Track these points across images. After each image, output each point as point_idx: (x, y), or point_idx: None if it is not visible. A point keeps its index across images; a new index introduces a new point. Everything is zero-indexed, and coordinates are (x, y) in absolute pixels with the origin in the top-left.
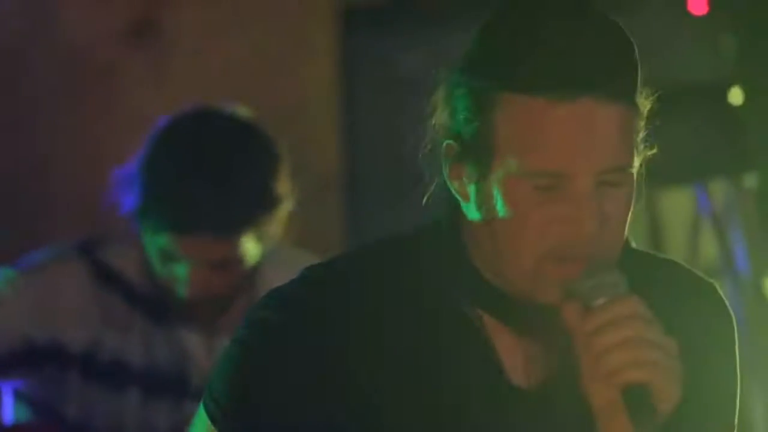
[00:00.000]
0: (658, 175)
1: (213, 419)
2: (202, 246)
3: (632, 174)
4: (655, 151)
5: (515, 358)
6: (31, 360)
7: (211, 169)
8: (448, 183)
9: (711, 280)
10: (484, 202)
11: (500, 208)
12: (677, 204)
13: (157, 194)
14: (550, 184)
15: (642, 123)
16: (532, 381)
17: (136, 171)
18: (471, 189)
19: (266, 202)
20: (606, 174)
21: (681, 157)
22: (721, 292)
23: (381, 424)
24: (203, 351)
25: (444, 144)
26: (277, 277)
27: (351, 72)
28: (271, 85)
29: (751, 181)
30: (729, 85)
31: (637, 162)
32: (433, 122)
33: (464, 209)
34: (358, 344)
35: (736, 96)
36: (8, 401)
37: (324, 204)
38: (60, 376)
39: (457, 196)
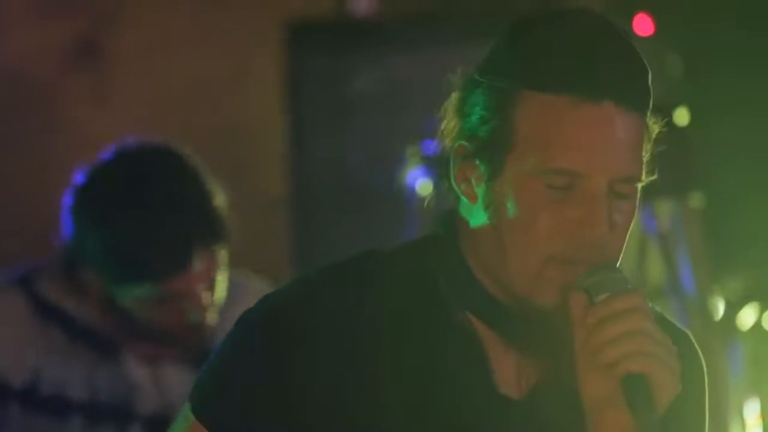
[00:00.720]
0: None
1: (195, 411)
2: (201, 269)
3: (638, 188)
4: (654, 177)
5: (507, 367)
6: None
7: (165, 205)
8: (454, 185)
9: (685, 330)
10: (494, 201)
11: (511, 207)
12: None
13: (128, 251)
14: (566, 183)
15: (649, 145)
16: (522, 391)
17: (81, 224)
18: (480, 189)
19: (224, 213)
20: (619, 182)
21: None
22: (694, 342)
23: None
24: (148, 380)
25: (455, 145)
26: (230, 307)
27: (298, 91)
28: (217, 104)
29: (696, 201)
30: (675, 106)
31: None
32: (442, 129)
33: (465, 214)
34: (351, 351)
35: (681, 116)
36: None
37: (271, 223)
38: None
39: (463, 199)
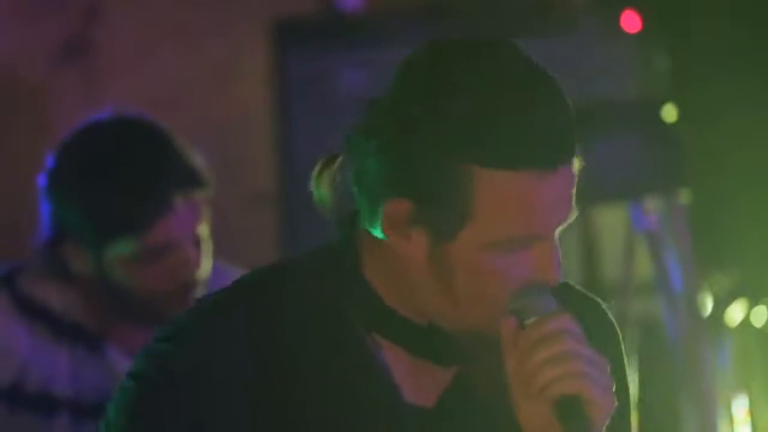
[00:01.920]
0: (592, 192)
1: None
2: (182, 218)
3: None
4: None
5: (413, 378)
6: None
7: (150, 150)
8: (383, 235)
9: (597, 299)
10: (439, 267)
11: (462, 272)
12: (611, 221)
13: (105, 207)
14: (521, 246)
15: None
16: (432, 399)
17: (57, 199)
18: (422, 252)
19: (200, 166)
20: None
21: (615, 174)
22: (607, 311)
23: None
24: None
25: (387, 197)
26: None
27: (286, 89)
28: (205, 102)
29: (684, 198)
30: (662, 102)
31: None
32: (357, 161)
33: (373, 234)
34: (255, 377)
35: (669, 113)
36: None
37: (258, 221)
38: None
39: (375, 227)
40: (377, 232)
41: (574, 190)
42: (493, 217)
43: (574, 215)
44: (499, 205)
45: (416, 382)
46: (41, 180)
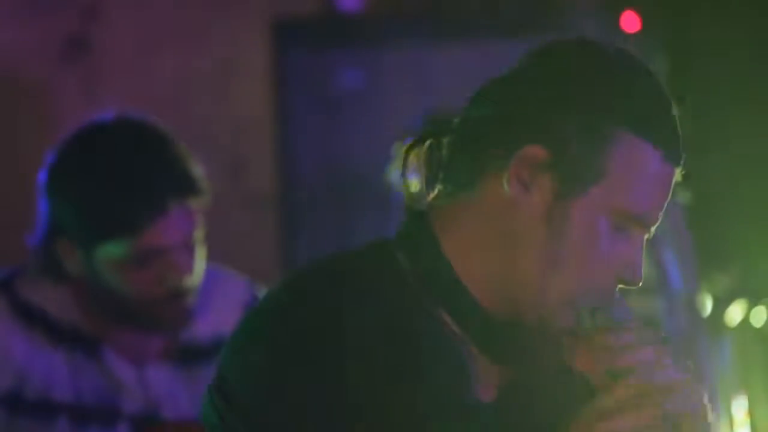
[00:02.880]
0: None
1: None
2: (175, 223)
3: None
4: None
5: (482, 371)
6: None
7: (150, 151)
8: (505, 183)
9: None
10: (559, 222)
11: (577, 233)
12: None
13: (100, 208)
14: (631, 227)
15: None
16: (491, 395)
17: (53, 196)
18: (544, 203)
19: (198, 173)
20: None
21: None
22: None
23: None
24: (133, 379)
25: (522, 143)
26: (208, 295)
27: (285, 89)
28: (205, 102)
29: (684, 198)
30: None
31: None
32: (471, 125)
33: (465, 213)
34: (352, 352)
35: None
36: None
37: (259, 219)
38: None
39: (497, 203)
40: (481, 197)
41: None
42: (625, 183)
43: (654, 228)
44: (632, 174)
45: (479, 374)
46: (40, 176)
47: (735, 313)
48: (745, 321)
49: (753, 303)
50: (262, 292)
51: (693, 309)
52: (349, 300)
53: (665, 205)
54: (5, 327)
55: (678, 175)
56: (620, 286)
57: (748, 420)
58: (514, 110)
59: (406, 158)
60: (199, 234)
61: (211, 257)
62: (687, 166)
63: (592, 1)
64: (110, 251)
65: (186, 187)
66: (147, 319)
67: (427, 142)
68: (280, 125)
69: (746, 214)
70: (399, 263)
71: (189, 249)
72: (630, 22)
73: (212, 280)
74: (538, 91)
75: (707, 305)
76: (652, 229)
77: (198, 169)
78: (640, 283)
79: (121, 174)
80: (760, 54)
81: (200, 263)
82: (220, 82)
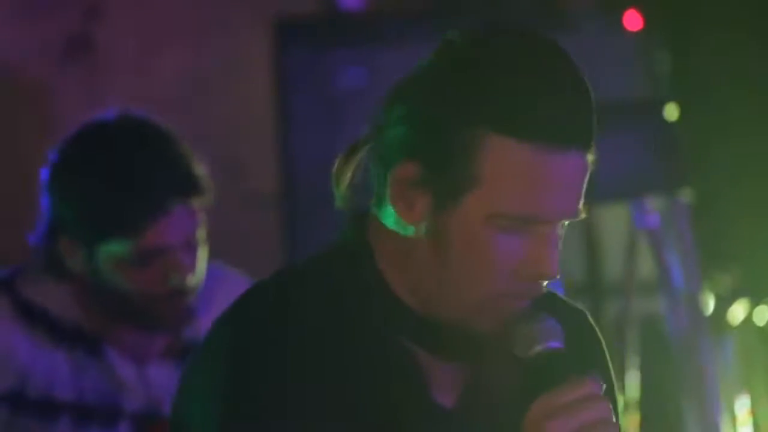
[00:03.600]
0: (594, 191)
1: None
2: (177, 223)
3: None
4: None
5: (436, 376)
6: None
7: (154, 150)
8: (390, 204)
9: (580, 307)
10: (440, 236)
11: (461, 244)
12: (613, 220)
13: (102, 207)
14: (521, 227)
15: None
16: (453, 398)
17: (56, 194)
18: (425, 219)
19: (200, 172)
20: (568, 221)
21: (617, 173)
22: (590, 319)
23: None
24: (135, 378)
25: (401, 160)
26: (209, 294)
27: (286, 88)
28: (207, 101)
29: (686, 196)
30: (664, 102)
31: None
32: (379, 136)
33: (389, 223)
34: (304, 360)
35: (671, 112)
36: None
37: (261, 219)
38: None
39: (395, 219)
40: (386, 213)
41: (583, 185)
42: (498, 187)
43: (580, 213)
44: (505, 175)
45: (436, 381)
46: (42, 174)
47: (737, 312)
48: (748, 320)
49: (755, 302)
50: None
51: (695, 308)
52: (294, 315)
53: (574, 195)
54: (7, 326)
55: (588, 157)
56: (538, 282)
57: (751, 419)
58: (398, 121)
59: (340, 165)
60: (201, 233)
61: (212, 257)
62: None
63: (594, 1)
64: (112, 250)
65: (188, 186)
66: (149, 318)
67: (356, 151)
68: (281, 124)
69: (748, 212)
70: (343, 274)
71: (191, 248)
72: (632, 21)
73: (214, 279)
74: (416, 99)
75: (710, 304)
76: (565, 222)
77: (200, 168)
78: (556, 276)
79: (123, 173)
80: (763, 53)
81: (202, 262)
82: (221, 81)
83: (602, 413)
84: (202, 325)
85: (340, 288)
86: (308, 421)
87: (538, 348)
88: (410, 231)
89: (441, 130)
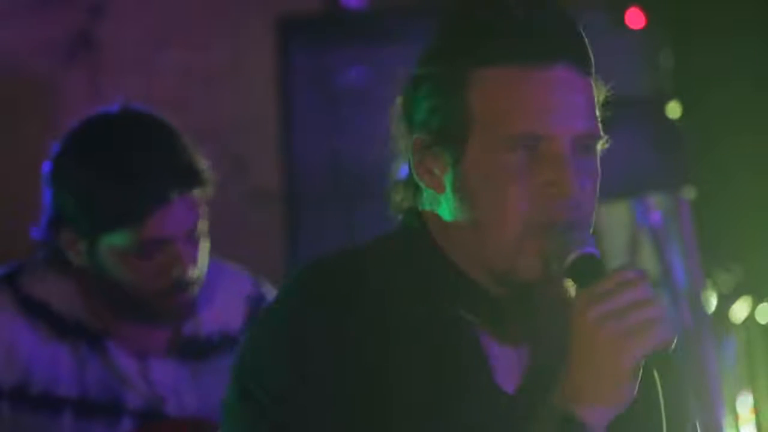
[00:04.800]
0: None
1: (263, 408)
2: (178, 214)
3: (598, 146)
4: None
5: (505, 363)
6: None
7: (151, 141)
8: (417, 179)
9: None
10: (462, 185)
11: (480, 185)
12: (616, 217)
13: (103, 197)
14: (530, 146)
15: (600, 106)
16: (516, 381)
17: (57, 186)
18: (447, 177)
19: (202, 164)
20: (580, 140)
21: (619, 170)
22: None
23: (382, 416)
24: (137, 373)
25: (412, 139)
26: (210, 288)
27: (289, 86)
28: (210, 99)
29: (689, 194)
30: (667, 99)
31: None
32: (393, 134)
33: (432, 207)
34: (369, 337)
35: (674, 110)
36: None
37: (264, 217)
38: None
39: (427, 192)
40: (425, 199)
41: (586, 100)
42: (491, 117)
43: (591, 130)
44: (494, 104)
45: (499, 365)
46: (44, 167)
47: (740, 309)
48: (750, 317)
49: (758, 299)
50: (266, 287)
51: (698, 305)
52: (358, 291)
53: (573, 109)
54: (10, 321)
55: (582, 71)
56: (556, 206)
57: (753, 417)
58: (400, 115)
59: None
60: (203, 226)
61: (215, 252)
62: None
63: None
64: (113, 241)
65: (188, 177)
66: (150, 311)
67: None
68: (284, 122)
69: (751, 210)
70: (405, 258)
71: (192, 240)
72: (635, 19)
73: (217, 275)
74: (407, 84)
75: (712, 302)
76: (563, 136)
77: (202, 161)
78: (571, 194)
79: (124, 164)
80: (765, 50)
81: (204, 255)
82: (225, 79)
83: (641, 294)
84: (203, 320)
85: (403, 265)
86: (371, 397)
87: (574, 256)
88: (442, 201)
89: (431, 89)
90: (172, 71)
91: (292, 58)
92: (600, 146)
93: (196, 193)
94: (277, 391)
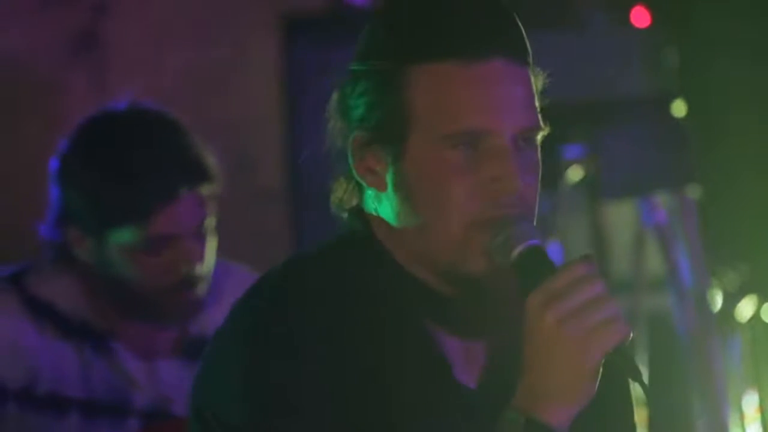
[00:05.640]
0: (602, 187)
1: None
2: (186, 210)
3: (539, 139)
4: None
5: (463, 359)
6: None
7: (154, 137)
8: (359, 179)
9: None
10: (404, 184)
11: (422, 183)
12: (621, 217)
13: (110, 193)
14: (472, 143)
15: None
16: (475, 377)
17: (65, 184)
18: (388, 175)
19: (209, 161)
20: (521, 134)
21: (625, 169)
22: None
23: (344, 417)
24: (143, 374)
25: (350, 138)
26: (217, 288)
27: (294, 84)
28: (214, 97)
29: (694, 193)
30: (672, 98)
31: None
32: (330, 131)
33: (374, 208)
34: (325, 342)
35: (679, 108)
36: None
37: (269, 215)
38: None
39: (369, 191)
40: (367, 199)
41: (525, 94)
42: (430, 114)
43: (532, 124)
44: (432, 101)
45: (458, 362)
46: (51, 164)
47: (746, 308)
48: (756, 316)
49: (764, 298)
50: None
51: (703, 304)
52: (312, 297)
53: (513, 103)
54: (16, 322)
55: (517, 63)
56: (501, 202)
57: (759, 416)
58: (335, 110)
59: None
60: (210, 222)
61: (221, 252)
62: None
63: None
64: (121, 238)
65: (196, 173)
66: (157, 310)
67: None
68: (288, 120)
69: (756, 209)
70: (353, 264)
71: (200, 237)
72: (640, 17)
73: (223, 275)
74: (344, 83)
75: (718, 300)
76: (504, 131)
77: (209, 157)
78: (515, 191)
79: (131, 160)
80: None
81: (212, 253)
82: (229, 78)
83: (597, 290)
84: (210, 319)
85: (353, 269)
86: (331, 405)
87: (519, 249)
88: (384, 200)
89: (368, 86)
90: (176, 70)
91: (296, 56)
92: (539, 138)
93: (204, 189)
94: (232, 423)
